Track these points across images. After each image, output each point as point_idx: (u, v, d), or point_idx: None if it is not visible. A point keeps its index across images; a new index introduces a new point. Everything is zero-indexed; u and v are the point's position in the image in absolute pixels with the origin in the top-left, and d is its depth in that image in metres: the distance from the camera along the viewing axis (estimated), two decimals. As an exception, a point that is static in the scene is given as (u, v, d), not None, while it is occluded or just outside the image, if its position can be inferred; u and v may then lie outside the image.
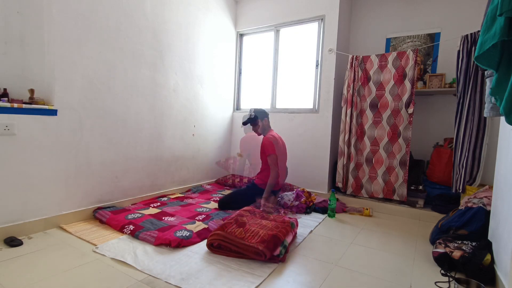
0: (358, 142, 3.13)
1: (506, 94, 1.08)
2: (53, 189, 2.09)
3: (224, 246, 1.81)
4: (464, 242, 1.81)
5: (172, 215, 2.39)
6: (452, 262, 1.69)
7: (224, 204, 2.65)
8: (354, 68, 3.08)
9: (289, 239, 1.92)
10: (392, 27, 3.35)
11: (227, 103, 3.93)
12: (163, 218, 2.31)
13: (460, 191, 2.56)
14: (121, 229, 2.08)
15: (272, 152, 2.65)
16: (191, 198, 3.00)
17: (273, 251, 1.73)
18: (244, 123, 2.96)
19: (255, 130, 2.94)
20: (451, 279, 1.59)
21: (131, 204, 2.64)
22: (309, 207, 2.80)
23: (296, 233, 2.12)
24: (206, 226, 2.19)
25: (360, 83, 3.08)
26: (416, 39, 3.21)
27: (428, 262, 1.84)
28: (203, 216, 2.42)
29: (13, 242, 1.79)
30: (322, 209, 2.80)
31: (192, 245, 1.93)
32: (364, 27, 3.51)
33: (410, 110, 2.80)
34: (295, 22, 3.51)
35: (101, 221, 2.23)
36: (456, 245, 1.79)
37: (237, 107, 4.06)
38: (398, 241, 2.18)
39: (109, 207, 2.41)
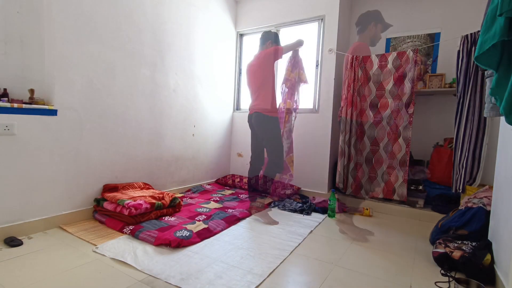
0: (358, 142, 3.13)
1: (506, 94, 1.08)
2: (53, 189, 2.09)
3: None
4: (464, 242, 1.81)
5: (172, 215, 2.39)
6: (452, 262, 1.69)
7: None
8: (354, 68, 3.08)
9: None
10: (392, 27, 3.34)
11: (227, 103, 3.93)
12: (163, 218, 2.31)
13: (460, 191, 2.56)
14: (121, 229, 2.08)
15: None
16: (191, 198, 3.00)
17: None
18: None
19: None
20: (451, 279, 1.59)
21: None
22: (309, 208, 2.80)
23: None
24: (206, 226, 2.19)
25: (360, 83, 3.07)
26: (416, 39, 3.21)
27: (428, 262, 1.84)
28: (203, 216, 2.42)
29: (13, 242, 1.79)
30: (322, 209, 2.81)
31: (192, 245, 1.93)
32: (364, 27, 3.51)
33: (410, 110, 2.80)
34: (295, 22, 3.51)
35: (101, 222, 2.23)
36: (456, 245, 1.79)
37: (237, 107, 4.06)
38: (398, 241, 2.18)
39: (109, 207, 2.41)
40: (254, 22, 3.81)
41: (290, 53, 2.93)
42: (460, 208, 2.18)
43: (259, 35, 3.84)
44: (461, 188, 2.55)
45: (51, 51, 2.06)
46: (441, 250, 1.78)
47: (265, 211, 2.69)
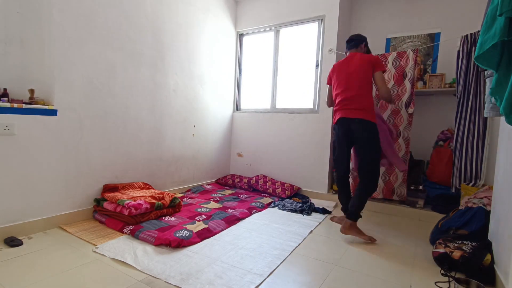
0: (358, 142, 3.13)
1: (506, 94, 1.08)
2: (53, 189, 2.09)
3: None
4: (464, 242, 1.81)
5: (172, 215, 2.39)
6: (452, 262, 1.69)
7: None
8: (354, 68, 3.07)
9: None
10: (392, 27, 3.35)
11: (227, 103, 3.93)
12: (163, 218, 2.31)
13: (459, 188, 2.57)
14: (121, 229, 2.08)
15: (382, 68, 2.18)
16: (191, 198, 3.00)
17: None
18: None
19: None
20: (451, 279, 1.59)
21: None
22: (309, 208, 2.80)
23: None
24: (206, 226, 2.19)
25: (360, 83, 3.07)
26: (416, 39, 3.21)
27: (428, 262, 1.84)
28: (203, 216, 2.42)
29: (13, 242, 1.79)
30: (322, 209, 2.80)
31: (192, 245, 1.93)
32: (364, 27, 3.51)
33: (410, 110, 2.80)
34: (295, 22, 3.51)
35: (101, 222, 2.23)
36: (456, 245, 1.79)
37: (237, 107, 4.06)
38: (398, 241, 2.18)
39: (109, 207, 2.41)
40: (254, 22, 3.81)
41: None
42: (460, 208, 2.18)
43: (259, 35, 3.87)
44: (459, 186, 2.56)
45: (51, 51, 2.06)
46: (441, 250, 1.78)
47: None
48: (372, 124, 2.17)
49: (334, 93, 2.37)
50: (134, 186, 2.58)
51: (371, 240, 2.11)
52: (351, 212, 2.14)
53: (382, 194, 2.99)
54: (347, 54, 2.42)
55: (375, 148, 2.20)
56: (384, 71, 2.21)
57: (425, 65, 3.17)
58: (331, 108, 3.23)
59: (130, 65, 2.58)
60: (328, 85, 2.50)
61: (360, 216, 2.16)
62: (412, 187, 3.01)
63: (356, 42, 2.40)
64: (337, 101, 2.32)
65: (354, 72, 2.23)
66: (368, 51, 2.45)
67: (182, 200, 2.82)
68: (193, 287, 1.44)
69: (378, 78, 2.19)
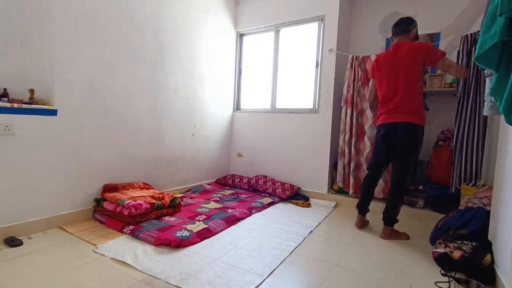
0: (358, 142, 3.13)
1: (505, 94, 1.08)
2: (53, 189, 2.09)
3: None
4: (464, 242, 1.81)
5: (172, 215, 2.39)
6: (452, 262, 1.69)
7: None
8: (354, 68, 3.08)
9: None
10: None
11: (227, 103, 3.93)
12: (163, 218, 2.31)
13: (459, 188, 2.57)
14: (121, 229, 2.08)
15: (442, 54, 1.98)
16: (191, 198, 3.00)
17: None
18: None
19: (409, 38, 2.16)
20: (451, 279, 1.59)
21: (131, 204, 2.63)
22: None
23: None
24: (206, 226, 2.19)
25: (360, 83, 3.07)
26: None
27: (428, 262, 1.84)
28: (203, 216, 2.42)
29: (13, 242, 1.79)
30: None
31: (192, 245, 1.93)
32: (364, 27, 3.51)
33: (410, 110, 2.79)
34: (295, 22, 3.51)
35: (101, 222, 2.23)
36: (456, 245, 1.79)
37: (237, 107, 4.06)
38: (398, 241, 2.18)
39: (109, 207, 2.41)
40: (254, 22, 3.81)
41: None
42: (460, 208, 2.18)
43: (259, 35, 3.87)
44: (459, 186, 2.56)
45: (51, 51, 2.06)
46: (441, 250, 1.78)
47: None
48: (418, 127, 2.07)
49: (378, 92, 2.25)
50: (134, 186, 2.58)
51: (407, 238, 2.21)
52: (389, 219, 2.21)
53: (383, 194, 2.99)
54: (394, 42, 2.19)
55: (413, 154, 2.12)
56: (445, 54, 1.97)
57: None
58: (331, 108, 3.24)
59: (130, 65, 2.58)
60: (371, 78, 2.35)
61: (397, 221, 2.22)
62: (412, 187, 3.00)
63: (406, 27, 2.13)
64: (381, 102, 2.20)
65: (401, 66, 2.02)
66: (416, 38, 2.19)
67: (182, 200, 2.82)
68: (193, 287, 1.44)
69: (444, 66, 1.96)
